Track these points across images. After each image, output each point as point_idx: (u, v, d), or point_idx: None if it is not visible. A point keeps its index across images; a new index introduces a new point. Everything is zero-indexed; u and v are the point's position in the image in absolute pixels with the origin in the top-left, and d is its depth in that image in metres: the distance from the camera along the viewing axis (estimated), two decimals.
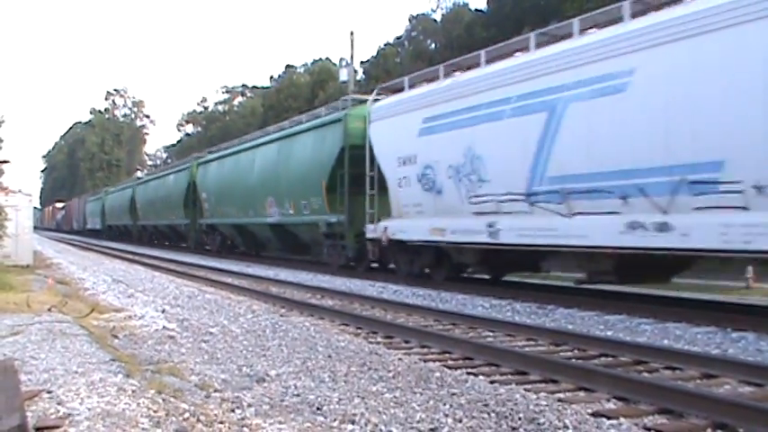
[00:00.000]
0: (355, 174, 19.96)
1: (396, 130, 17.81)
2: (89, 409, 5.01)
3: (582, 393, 6.58)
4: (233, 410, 5.79)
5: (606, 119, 11.92)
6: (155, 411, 5.14)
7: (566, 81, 12.63)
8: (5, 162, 19.78)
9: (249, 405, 5.98)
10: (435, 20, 54.98)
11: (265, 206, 25.53)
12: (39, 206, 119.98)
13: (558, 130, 12.79)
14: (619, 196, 11.68)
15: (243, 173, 28.03)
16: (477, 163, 14.79)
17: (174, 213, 37.36)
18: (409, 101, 17.50)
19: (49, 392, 5.48)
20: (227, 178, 29.98)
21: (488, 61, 14.90)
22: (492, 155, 14.38)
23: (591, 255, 12.72)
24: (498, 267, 16.73)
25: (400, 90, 18.52)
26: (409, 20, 57.55)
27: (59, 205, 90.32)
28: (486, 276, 17.43)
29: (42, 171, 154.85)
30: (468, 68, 15.35)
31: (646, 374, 7.45)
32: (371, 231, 18.71)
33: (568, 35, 13.06)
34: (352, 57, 39.03)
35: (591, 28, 12.93)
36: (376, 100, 19.43)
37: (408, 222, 17.29)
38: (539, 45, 13.46)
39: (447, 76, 16.47)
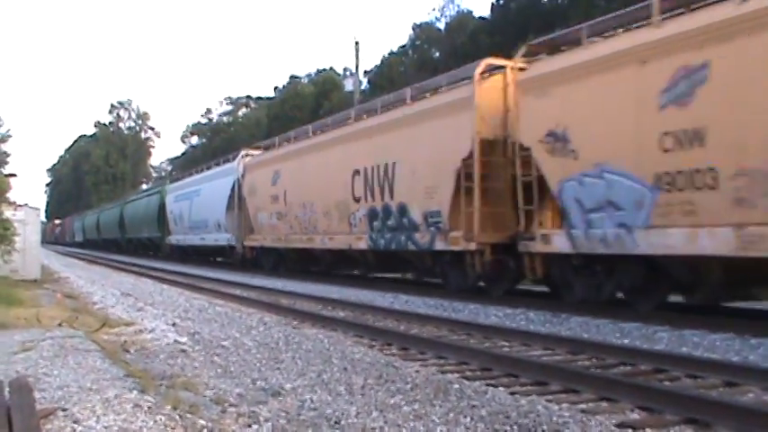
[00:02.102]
0: (166, 216, 42.54)
1: (170, 198, 41.93)
2: (106, 428, 4.94)
3: (605, 404, 6.47)
4: (250, 425, 5.71)
5: (196, 204, 35.96)
6: (172, 428, 5.07)
7: (193, 189, 36.92)
8: (13, 176, 19.72)
9: (266, 420, 5.88)
10: (439, 28, 55.07)
11: (144, 229, 48.29)
12: (45, 220, 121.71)
13: (192, 206, 36.54)
14: (198, 229, 35.28)
15: (136, 212, 50.89)
16: (182, 215, 38.65)
17: (116, 231, 57.74)
18: (173, 188, 42.87)
19: (65, 410, 5.39)
20: (132, 215, 52.28)
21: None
22: (183, 213, 38.35)
23: (206, 248, 35.41)
24: (203, 255, 38.27)
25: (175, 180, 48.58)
26: (413, 29, 57.64)
27: (57, 222, 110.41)
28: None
29: (47, 185, 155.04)
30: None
31: (667, 383, 7.33)
32: (167, 240, 42.12)
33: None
34: (357, 67, 39.09)
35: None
36: (173, 182, 46.53)
37: (175, 236, 40.59)
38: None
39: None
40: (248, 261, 29.05)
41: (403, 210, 17.82)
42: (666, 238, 11.16)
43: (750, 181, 9.87)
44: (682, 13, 11.60)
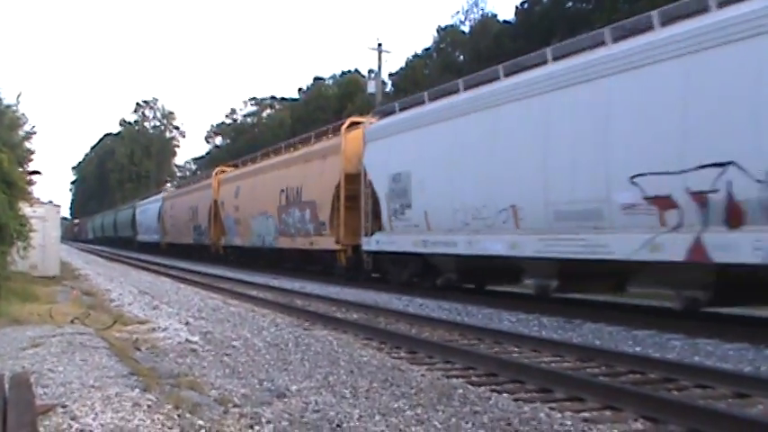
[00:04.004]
0: (136, 222, 61.59)
1: (138, 211, 59.62)
2: (102, 425, 4.94)
3: (608, 412, 6.39)
4: (251, 427, 5.70)
5: (147, 217, 55.69)
6: (169, 428, 5.06)
7: (146, 207, 57.26)
8: (37, 173, 19.86)
9: (268, 421, 5.87)
10: (463, 31, 54.94)
11: (126, 230, 64.65)
12: (69, 217, 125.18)
13: (146, 217, 55.95)
14: (147, 231, 55.08)
15: (122, 218, 68.33)
16: (141, 222, 57.73)
17: (112, 231, 75.68)
18: (140, 204, 60.85)
19: (64, 407, 5.41)
20: (121, 220, 69.83)
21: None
22: (142, 221, 57.51)
23: (150, 243, 54.39)
24: (149, 247, 55.06)
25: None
26: (437, 31, 57.57)
27: (76, 221, 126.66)
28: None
29: (72, 183, 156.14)
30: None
31: (675, 393, 7.24)
32: (137, 238, 59.70)
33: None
34: (379, 68, 39.07)
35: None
36: (142, 198, 66.29)
37: (139, 236, 58.42)
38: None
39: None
40: (166, 250, 48.62)
41: (200, 226, 39.60)
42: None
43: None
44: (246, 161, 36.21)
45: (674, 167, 10.95)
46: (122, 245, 66.77)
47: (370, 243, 20.00)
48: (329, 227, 22.64)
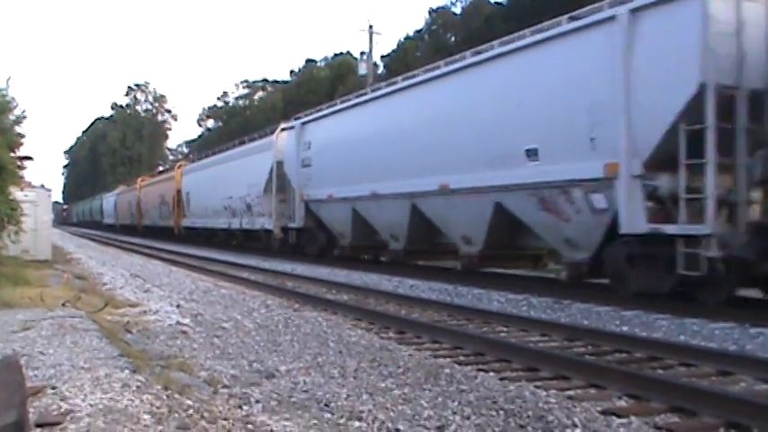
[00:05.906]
0: (103, 209, 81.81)
1: (104, 201, 78.35)
2: (91, 405, 4.97)
3: (593, 390, 6.48)
4: (240, 407, 5.76)
5: (108, 205, 75.37)
6: (158, 407, 5.09)
7: (108, 199, 75.31)
8: (28, 158, 19.76)
9: (257, 401, 5.94)
10: (455, 13, 54.83)
11: (97, 215, 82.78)
12: (62, 201, 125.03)
13: (108, 205, 75.28)
14: (110, 215, 73.21)
15: (95, 206, 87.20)
16: (105, 208, 76.35)
17: (89, 216, 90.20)
18: (106, 196, 78.79)
19: (53, 388, 5.44)
20: (95, 207, 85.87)
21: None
22: (105, 208, 76.92)
23: (111, 225, 70.60)
24: (110, 227, 73.30)
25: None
26: (429, 13, 57.46)
27: (65, 207, 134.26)
28: None
29: (65, 167, 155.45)
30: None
31: (660, 371, 7.33)
32: (103, 221, 76.81)
33: None
34: (370, 50, 38.96)
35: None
36: (110, 190, 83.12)
37: (104, 219, 76.45)
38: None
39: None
40: (119, 230, 64.20)
41: (133, 213, 57.68)
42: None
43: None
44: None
45: (225, 197, 32.16)
46: (95, 227, 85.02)
47: (182, 223, 41.55)
48: (173, 215, 43.71)
